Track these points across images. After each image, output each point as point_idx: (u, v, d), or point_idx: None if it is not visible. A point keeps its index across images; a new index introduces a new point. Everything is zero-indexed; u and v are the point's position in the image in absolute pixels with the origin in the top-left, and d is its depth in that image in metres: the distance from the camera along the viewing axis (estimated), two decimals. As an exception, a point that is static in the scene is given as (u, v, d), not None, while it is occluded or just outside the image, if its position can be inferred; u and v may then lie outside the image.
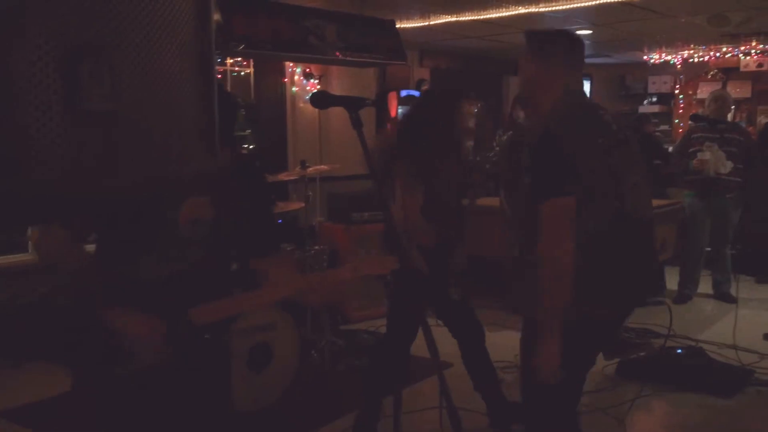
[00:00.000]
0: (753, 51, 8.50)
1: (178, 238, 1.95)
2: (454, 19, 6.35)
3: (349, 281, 1.98)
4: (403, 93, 7.53)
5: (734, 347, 4.74)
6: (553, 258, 2.04)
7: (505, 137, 7.47)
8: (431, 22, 6.50)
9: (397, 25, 6.02)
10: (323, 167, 5.03)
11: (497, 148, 7.52)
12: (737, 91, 8.65)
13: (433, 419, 3.16)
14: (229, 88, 6.28)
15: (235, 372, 3.54)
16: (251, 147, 6.49)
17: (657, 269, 2.24)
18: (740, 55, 8.68)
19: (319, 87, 6.75)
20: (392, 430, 1.96)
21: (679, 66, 9.17)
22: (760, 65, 8.67)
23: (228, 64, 6.31)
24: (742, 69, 8.83)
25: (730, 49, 8.54)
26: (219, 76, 5.97)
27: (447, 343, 2.76)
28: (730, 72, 9.08)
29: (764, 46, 8.28)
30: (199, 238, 1.96)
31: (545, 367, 2.09)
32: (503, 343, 3.93)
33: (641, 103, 10.14)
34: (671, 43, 8.27)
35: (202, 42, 1.22)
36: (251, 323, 3.69)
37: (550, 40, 2.30)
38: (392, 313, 3.37)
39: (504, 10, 6.01)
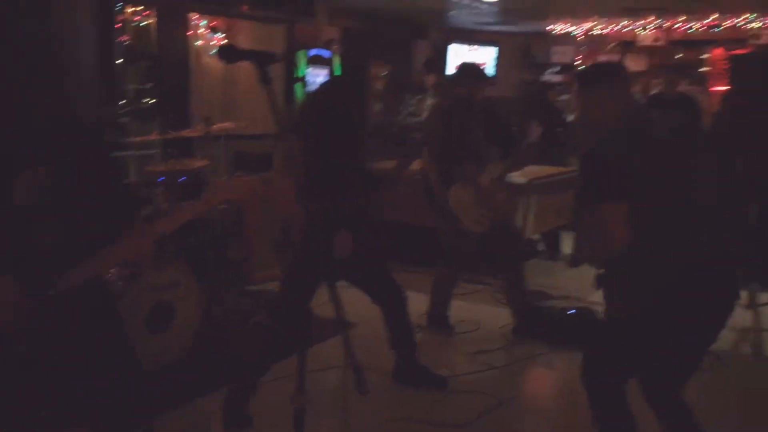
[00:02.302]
0: (650, 26, 8.86)
1: None
2: (364, -22, 6.29)
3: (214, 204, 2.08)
4: (312, 52, 7.41)
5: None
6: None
7: (430, 103, 7.52)
8: (342, -20, 6.41)
9: (308, -18, 5.91)
10: (228, 125, 4.91)
11: (412, 110, 7.56)
12: (634, 64, 9.00)
13: (336, 378, 3.20)
14: (129, 38, 6.00)
15: (135, 331, 3.47)
16: (152, 101, 6.25)
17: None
18: (638, 29, 9.03)
19: (224, 42, 6.55)
20: (295, 389, 1.96)
21: (581, 38, 9.44)
22: (656, 40, 9.05)
23: (128, 13, 6.00)
24: (639, 43, 9.19)
25: (629, 22, 8.87)
26: (118, 25, 5.68)
27: (349, 303, 2.78)
28: (628, 45, 9.43)
29: (660, 21, 8.64)
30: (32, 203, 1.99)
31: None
32: (411, 305, 4.00)
33: (544, 73, 10.40)
34: (575, 14, 8.50)
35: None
36: (153, 282, 3.60)
37: (594, 78, 2.69)
38: (294, 273, 3.35)
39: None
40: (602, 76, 2.68)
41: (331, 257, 3.14)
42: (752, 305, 4.75)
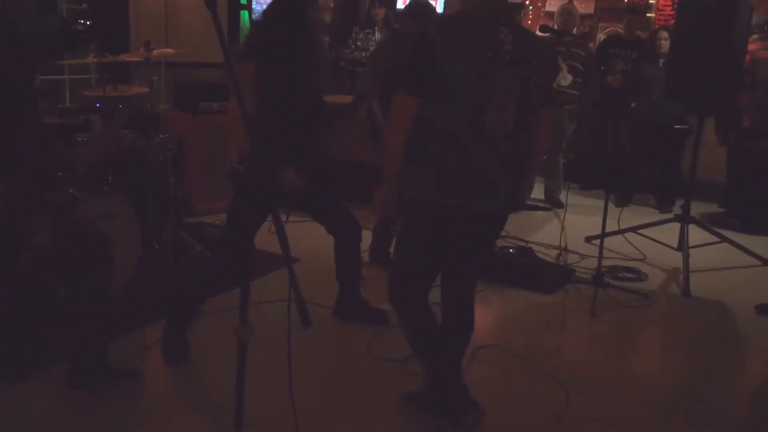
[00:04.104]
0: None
1: None
2: None
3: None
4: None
5: (559, 248, 5.15)
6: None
7: (378, 36, 7.37)
8: None
9: None
10: (169, 51, 4.73)
11: (359, 44, 7.41)
12: (582, 6, 8.99)
13: (280, 311, 3.20)
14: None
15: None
16: (88, 23, 5.96)
17: (494, 180, 2.56)
18: (588, -29, 8.99)
19: (166, -37, 6.24)
20: (239, 322, 1.95)
21: (531, -23, 9.36)
22: (604, -17, 9.03)
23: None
24: (588, -15, 9.16)
25: (579, -36, 8.82)
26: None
27: (293, 238, 2.77)
28: (577, -13, 9.39)
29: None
30: None
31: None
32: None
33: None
34: (526, -48, 8.40)
35: None
36: (88, 212, 3.50)
37: None
38: (239, 205, 3.30)
39: None
40: None
41: (277, 191, 3.11)
42: (682, 246, 4.94)
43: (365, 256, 4.50)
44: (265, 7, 7.12)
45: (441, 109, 2.43)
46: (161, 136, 4.34)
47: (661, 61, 6.31)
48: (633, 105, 6.56)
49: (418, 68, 2.44)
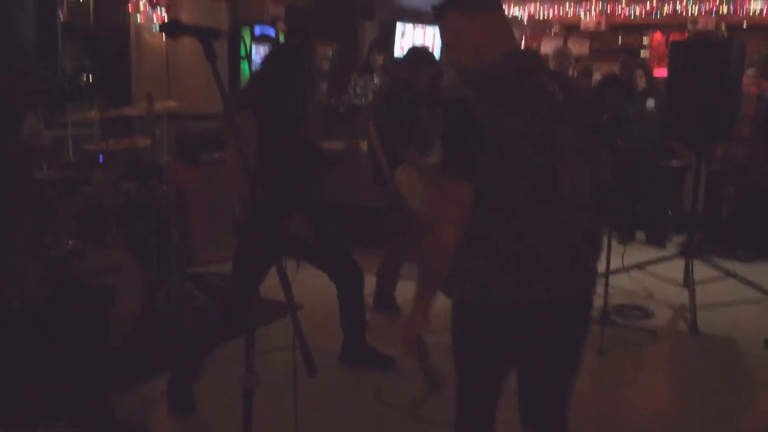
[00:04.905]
0: (592, 10, 9.01)
1: None
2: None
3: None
4: (257, 30, 7.29)
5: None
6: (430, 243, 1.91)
7: (377, 83, 7.48)
8: (287, -43, 6.31)
9: (252, -42, 5.80)
10: (171, 104, 4.80)
11: (358, 91, 7.51)
12: (576, 48, 9.14)
13: (285, 359, 3.17)
14: (65, 14, 5.79)
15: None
16: (90, 79, 6.06)
17: (583, 263, 2.03)
18: (581, 13, 9.17)
19: (166, 18, 6.37)
20: (244, 371, 1.94)
21: (525, 21, 9.53)
22: (598, 24, 9.20)
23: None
24: (582, 27, 9.33)
25: (572, 7, 9.00)
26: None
27: (297, 285, 2.77)
28: (571, 29, 9.56)
29: (602, 6, 8.79)
30: None
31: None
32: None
33: (446, 66, 10.44)
34: (520, -3, 8.58)
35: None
36: (91, 264, 3.50)
37: None
38: (243, 255, 3.31)
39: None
40: None
41: (282, 239, 3.12)
42: (687, 282, 4.92)
43: (370, 301, 4.48)
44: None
45: (497, 182, 1.88)
46: (163, 187, 4.37)
47: (638, 97, 6.47)
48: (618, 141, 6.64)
49: (464, 144, 1.86)
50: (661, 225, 6.70)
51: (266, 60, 3.47)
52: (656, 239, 6.64)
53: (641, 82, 6.48)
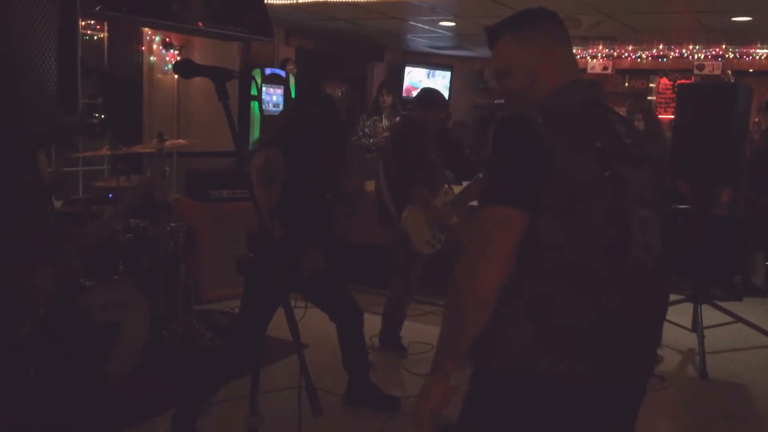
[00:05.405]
0: (599, 54, 9.10)
1: None
2: (322, -1, 6.31)
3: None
4: (268, 71, 7.39)
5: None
6: (470, 288, 1.56)
7: (386, 123, 7.56)
8: (299, 0, 6.42)
9: (265, 0, 5.90)
10: (181, 141, 4.85)
11: (367, 131, 7.58)
12: (584, 91, 9.21)
13: (290, 399, 3.15)
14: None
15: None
16: (102, 116, 6.14)
17: (650, 336, 1.74)
18: (588, 57, 9.27)
19: (179, 58, 6.48)
20: (249, 411, 1.93)
21: (533, 64, 9.64)
22: (605, 68, 9.29)
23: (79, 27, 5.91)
24: (588, 71, 9.42)
25: (579, 51, 9.10)
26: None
27: (301, 324, 2.76)
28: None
29: (609, 50, 8.89)
30: None
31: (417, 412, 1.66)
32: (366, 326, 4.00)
33: (497, 98, 10.57)
34: (527, 41, 8.68)
35: (65, 3, 1.14)
36: (100, 301, 3.50)
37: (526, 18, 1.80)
38: (252, 294, 3.31)
39: (372, -6, 6.05)
40: (529, 17, 1.80)
41: (294, 276, 3.13)
42: (697, 328, 4.88)
43: (375, 341, 4.46)
44: (275, 99, 7.35)
45: (566, 229, 1.56)
46: (172, 224, 4.39)
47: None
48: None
49: (525, 165, 1.57)
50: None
51: (298, 100, 3.55)
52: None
53: (640, 125, 6.52)
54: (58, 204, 4.15)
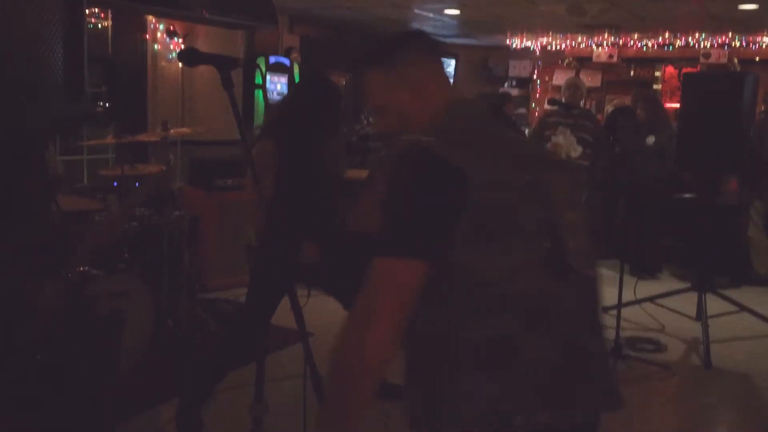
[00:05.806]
0: (605, 43, 9.05)
1: None
2: (325, -13, 6.29)
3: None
4: (272, 59, 7.37)
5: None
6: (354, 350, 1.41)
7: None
8: (303, -12, 6.40)
9: (269, -11, 5.88)
10: (186, 130, 4.85)
11: (371, 120, 7.57)
12: (589, 80, 9.18)
13: (295, 387, 3.16)
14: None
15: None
16: (107, 105, 6.14)
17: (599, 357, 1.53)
18: (593, 45, 9.22)
19: (183, 46, 6.46)
20: (253, 399, 1.93)
21: (538, 52, 9.59)
22: (610, 56, 9.24)
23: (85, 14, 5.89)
24: (594, 59, 9.37)
25: (584, 39, 9.05)
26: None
27: (307, 311, 2.77)
28: (583, 61, 9.61)
29: (615, 39, 8.83)
30: None
31: None
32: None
33: (502, 86, 10.54)
34: (532, 29, 8.64)
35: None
36: (103, 289, 3.52)
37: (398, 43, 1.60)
38: (258, 282, 3.31)
39: (376, -18, 6.02)
40: (393, 46, 1.59)
41: (296, 265, 3.12)
42: (701, 317, 4.87)
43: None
44: (279, 87, 7.33)
45: (489, 256, 1.36)
46: (176, 213, 4.40)
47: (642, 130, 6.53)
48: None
49: (430, 206, 1.37)
50: (649, 255, 6.71)
51: (295, 89, 3.52)
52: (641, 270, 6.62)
53: (641, 116, 6.51)
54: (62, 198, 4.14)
